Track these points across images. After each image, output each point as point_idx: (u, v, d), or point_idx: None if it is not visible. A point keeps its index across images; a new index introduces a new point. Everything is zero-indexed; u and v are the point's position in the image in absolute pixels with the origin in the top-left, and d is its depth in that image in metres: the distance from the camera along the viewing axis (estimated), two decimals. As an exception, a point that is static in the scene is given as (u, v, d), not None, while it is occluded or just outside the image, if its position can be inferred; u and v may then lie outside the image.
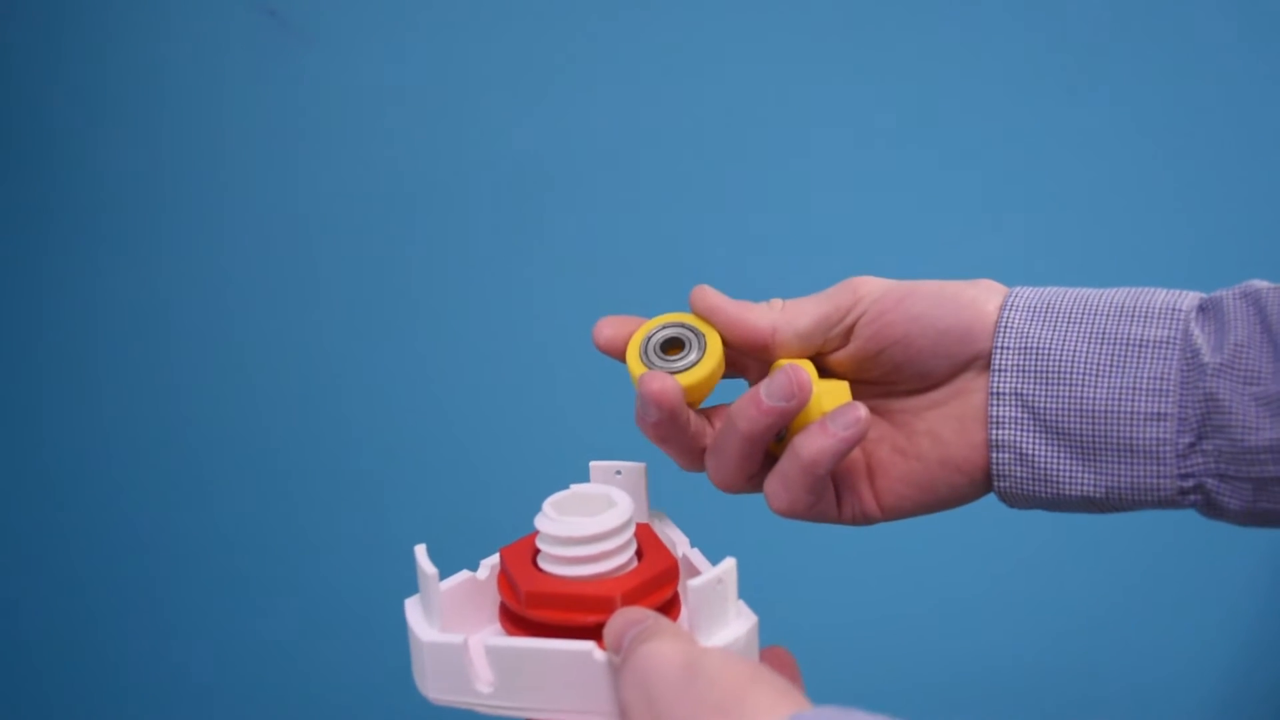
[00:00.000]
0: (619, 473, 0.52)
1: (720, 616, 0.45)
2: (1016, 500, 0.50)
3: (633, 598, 0.45)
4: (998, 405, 0.49)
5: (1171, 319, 0.47)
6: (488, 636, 0.45)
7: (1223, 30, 0.98)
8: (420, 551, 0.46)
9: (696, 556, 0.49)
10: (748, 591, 0.48)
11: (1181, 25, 0.98)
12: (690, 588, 0.44)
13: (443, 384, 1.12)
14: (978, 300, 0.50)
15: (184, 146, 1.11)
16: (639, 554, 0.48)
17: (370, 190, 1.09)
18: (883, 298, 0.50)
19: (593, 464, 0.52)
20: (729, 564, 0.45)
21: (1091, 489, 0.48)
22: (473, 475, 1.13)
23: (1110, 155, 1.04)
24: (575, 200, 1.08)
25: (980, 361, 0.50)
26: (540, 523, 0.46)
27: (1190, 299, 0.48)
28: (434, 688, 0.45)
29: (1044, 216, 1.06)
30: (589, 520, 0.46)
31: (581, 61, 1.06)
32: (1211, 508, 0.47)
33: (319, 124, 1.08)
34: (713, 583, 0.44)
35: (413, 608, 0.47)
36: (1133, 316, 0.48)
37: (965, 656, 1.12)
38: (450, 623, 0.46)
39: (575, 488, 0.49)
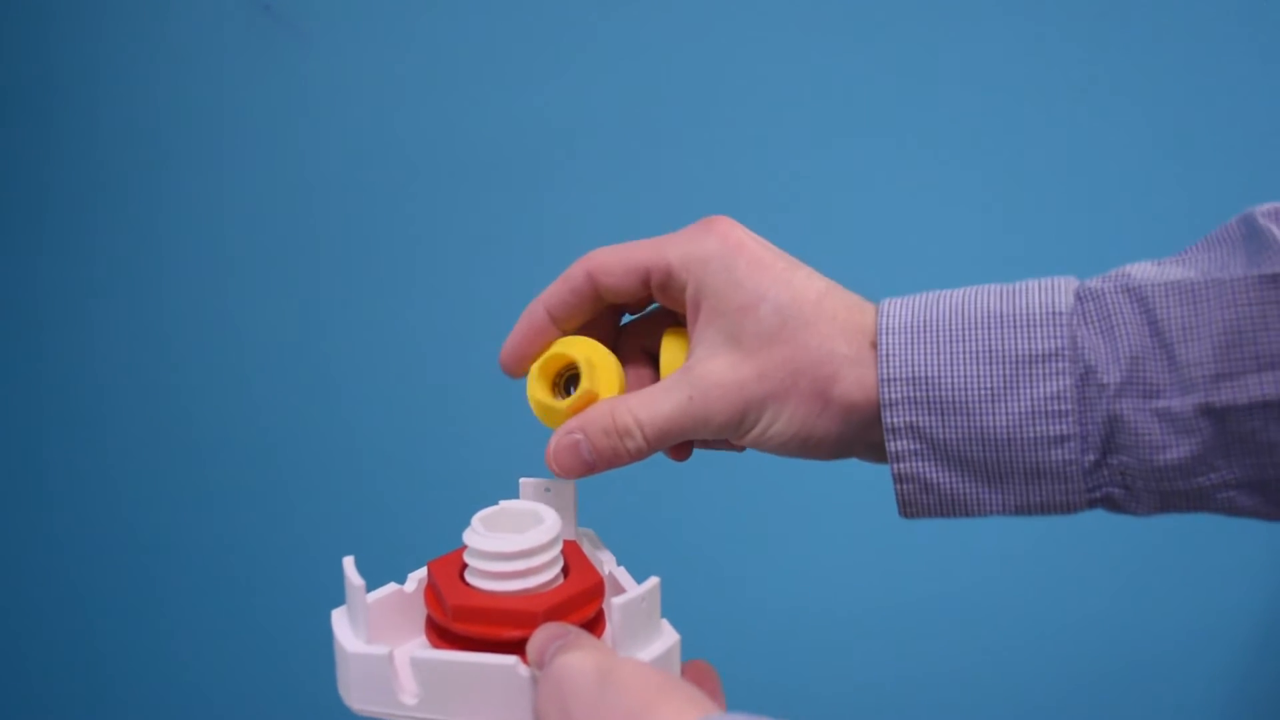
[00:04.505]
0: (549, 489, 0.52)
1: (643, 634, 0.46)
2: (920, 516, 0.50)
3: (557, 614, 0.45)
4: (894, 440, 0.47)
5: (1054, 325, 0.45)
6: (413, 649, 0.45)
7: (1230, 26, 0.98)
8: (348, 563, 0.47)
9: (623, 575, 0.50)
10: (674, 606, 0.49)
11: (1189, 21, 0.99)
12: (614, 605, 0.45)
13: (433, 384, 1.11)
14: (846, 392, 0.48)
15: (180, 141, 1.11)
16: (565, 571, 0.48)
17: (366, 184, 1.09)
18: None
19: (522, 480, 0.53)
20: (653, 583, 0.46)
21: (1000, 509, 0.48)
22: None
23: (1117, 153, 1.03)
24: (576, 198, 1.07)
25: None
26: (468, 537, 0.47)
27: (1066, 297, 0.46)
28: (358, 698, 0.46)
29: (1051, 215, 1.05)
30: (516, 536, 0.46)
31: (580, 50, 1.05)
32: (1116, 510, 0.48)
33: (314, 118, 1.08)
34: (637, 601, 0.45)
35: (339, 619, 0.48)
36: (1014, 326, 0.46)
37: (962, 658, 1.11)
38: (377, 635, 0.47)
39: (504, 504, 0.50)
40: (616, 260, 0.49)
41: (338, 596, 0.49)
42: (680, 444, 0.52)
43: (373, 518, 1.14)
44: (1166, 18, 0.98)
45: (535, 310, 0.51)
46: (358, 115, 1.08)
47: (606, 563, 0.51)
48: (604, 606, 0.49)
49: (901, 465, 0.47)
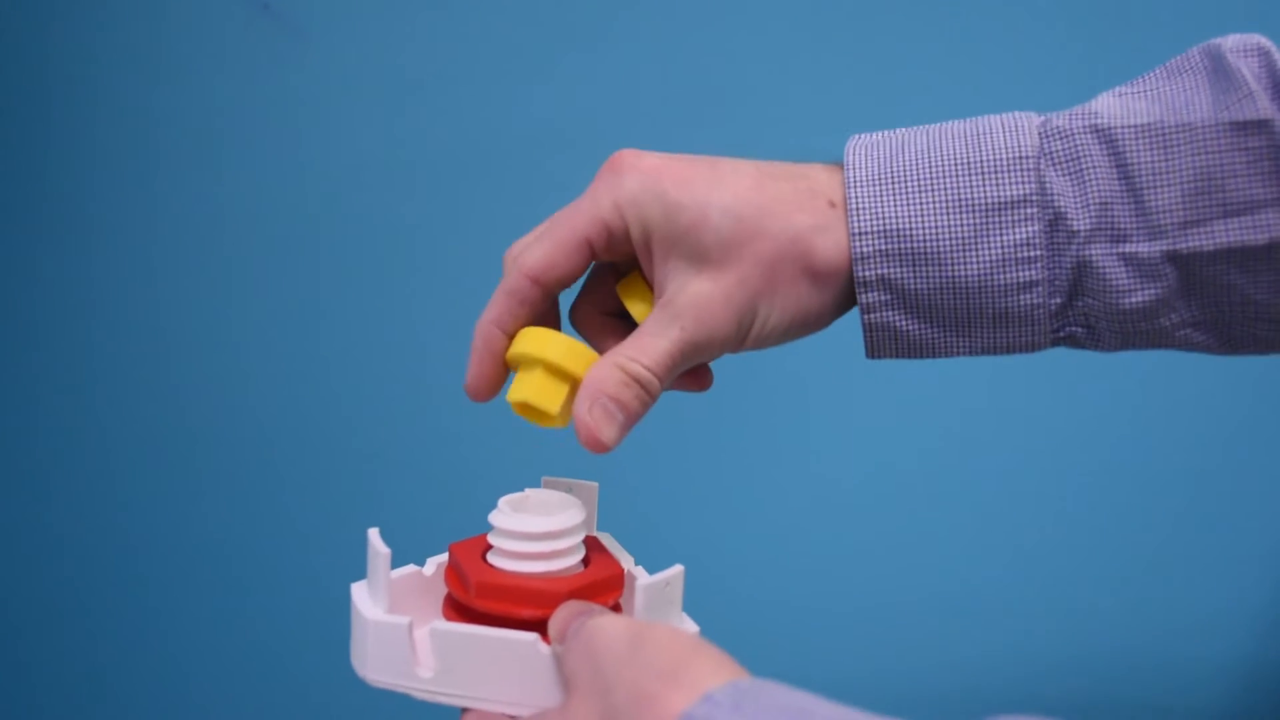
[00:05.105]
0: (570, 490, 0.53)
1: (663, 620, 0.46)
2: (886, 357, 0.50)
3: (579, 596, 0.45)
4: (865, 293, 0.47)
5: (1020, 170, 0.46)
6: (433, 621, 0.45)
7: (1230, 26, 1.00)
8: (374, 534, 0.47)
9: (641, 574, 0.50)
10: (690, 611, 0.49)
11: (1189, 18, 0.99)
12: (639, 586, 0.45)
13: (433, 386, 1.08)
14: (825, 257, 0.47)
15: (177, 141, 1.10)
16: (586, 562, 0.49)
17: (365, 184, 1.09)
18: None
19: (545, 479, 0.53)
20: (677, 569, 0.47)
21: (966, 351, 0.48)
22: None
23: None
24: (577, 194, 1.07)
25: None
26: (494, 518, 0.47)
27: (1031, 138, 0.46)
28: (373, 669, 0.45)
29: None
30: (543, 518, 0.47)
31: (580, 49, 1.05)
32: (1077, 347, 0.49)
33: (313, 117, 1.08)
34: (660, 584, 0.46)
35: (359, 590, 0.47)
36: (981, 173, 0.46)
37: (961, 654, 1.09)
38: (395, 610, 0.47)
39: (530, 491, 0.50)
40: (555, 250, 0.48)
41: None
42: (694, 373, 0.51)
43: (373, 516, 1.12)
44: (1168, 17, 0.99)
45: (490, 333, 0.49)
46: (357, 114, 1.08)
47: (624, 562, 0.51)
48: (621, 602, 0.49)
49: (872, 316, 0.48)
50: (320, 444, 1.12)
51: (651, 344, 0.46)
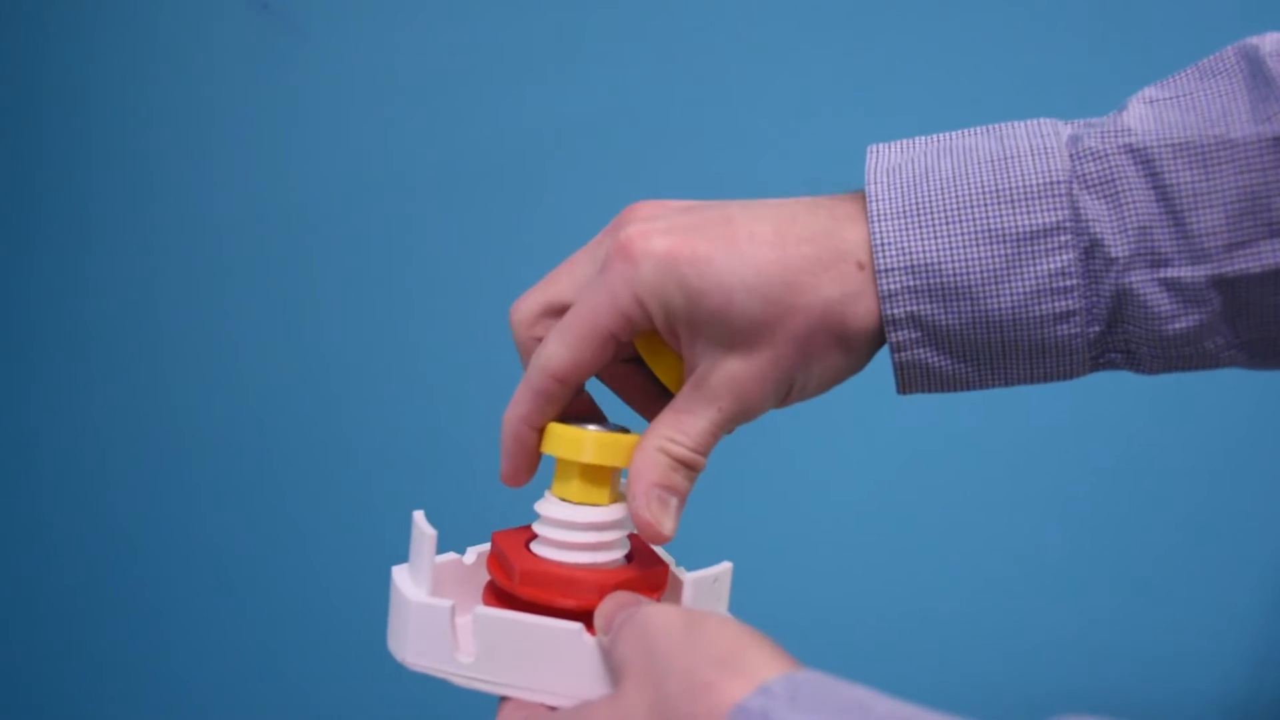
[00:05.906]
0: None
1: (710, 616, 0.46)
2: (917, 392, 0.49)
3: (626, 588, 0.45)
4: (895, 331, 0.45)
5: (1053, 196, 0.44)
6: (476, 606, 0.44)
7: (1233, 24, 0.96)
8: (419, 516, 0.46)
9: (683, 573, 0.49)
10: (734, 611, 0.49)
11: (1192, 20, 0.98)
12: (688, 579, 0.45)
13: (431, 386, 1.08)
14: (851, 310, 0.45)
15: (176, 141, 1.10)
16: (629, 557, 0.48)
17: (364, 184, 1.08)
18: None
19: None
20: (726, 566, 0.46)
21: (1002, 384, 0.47)
22: (462, 477, 1.08)
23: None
24: (574, 194, 1.06)
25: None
26: (541, 507, 0.47)
27: (1061, 160, 0.44)
28: (413, 653, 0.44)
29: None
30: (590, 509, 0.46)
31: (580, 49, 1.05)
32: (1115, 370, 0.47)
33: (311, 118, 1.08)
34: (708, 579, 0.45)
35: (400, 573, 0.47)
36: (1011, 200, 0.44)
37: (963, 658, 1.08)
38: (436, 594, 0.46)
39: None
40: (580, 347, 0.46)
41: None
42: None
43: (375, 514, 1.10)
44: (1168, 17, 0.98)
45: (520, 431, 0.48)
46: (356, 114, 1.08)
47: (667, 563, 0.50)
48: (664, 600, 0.48)
49: (903, 355, 0.46)
50: (325, 442, 1.11)
51: (691, 423, 0.45)
